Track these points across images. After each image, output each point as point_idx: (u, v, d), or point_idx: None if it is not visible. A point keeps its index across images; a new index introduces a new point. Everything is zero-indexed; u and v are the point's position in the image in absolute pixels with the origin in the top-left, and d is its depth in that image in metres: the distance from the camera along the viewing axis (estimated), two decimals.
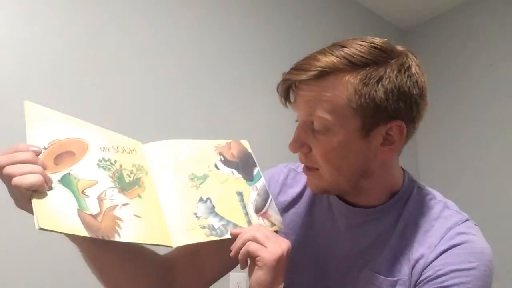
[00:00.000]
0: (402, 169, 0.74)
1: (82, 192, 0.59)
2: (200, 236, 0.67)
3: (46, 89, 1.26)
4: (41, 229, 0.51)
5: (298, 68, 0.63)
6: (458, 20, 2.38)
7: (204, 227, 0.68)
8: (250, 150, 0.84)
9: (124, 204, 0.63)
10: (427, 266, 0.63)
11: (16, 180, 0.52)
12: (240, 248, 0.63)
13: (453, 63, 2.38)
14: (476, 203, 2.09)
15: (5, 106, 1.16)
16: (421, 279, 0.63)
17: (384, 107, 0.60)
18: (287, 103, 0.68)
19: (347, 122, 0.61)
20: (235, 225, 0.71)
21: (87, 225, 0.56)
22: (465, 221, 0.66)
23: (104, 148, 0.66)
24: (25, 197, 0.53)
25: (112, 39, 1.42)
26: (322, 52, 0.62)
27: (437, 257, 0.62)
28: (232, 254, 0.64)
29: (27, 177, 0.52)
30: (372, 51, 0.61)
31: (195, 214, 0.70)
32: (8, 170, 0.52)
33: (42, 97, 1.23)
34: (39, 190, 0.54)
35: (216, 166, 0.78)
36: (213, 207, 0.72)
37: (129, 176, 0.67)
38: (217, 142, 0.82)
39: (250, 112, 1.79)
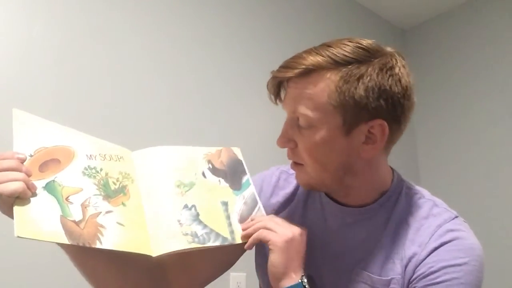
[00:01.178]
0: (392, 168, 0.75)
1: (66, 199, 0.60)
2: (182, 243, 0.68)
3: (46, 89, 1.26)
4: (19, 237, 0.52)
5: (285, 66, 0.65)
6: (458, 20, 2.37)
7: (186, 234, 0.69)
8: (241, 158, 0.85)
9: (108, 212, 0.64)
10: (419, 264, 0.64)
11: None
12: (251, 235, 0.68)
13: (453, 63, 2.37)
14: (477, 204, 2.09)
15: (5, 107, 1.20)
16: (414, 276, 0.64)
17: (364, 104, 0.61)
18: (277, 101, 0.70)
19: (328, 119, 0.63)
20: (218, 234, 0.72)
21: (68, 232, 0.57)
22: (454, 218, 0.68)
23: (90, 156, 0.68)
24: (7, 204, 0.54)
25: (113, 39, 1.43)
26: (309, 51, 0.65)
27: (428, 255, 0.64)
28: (246, 246, 0.69)
29: (9, 184, 0.53)
30: (356, 50, 0.62)
31: (179, 221, 0.71)
32: None
33: (42, 97, 1.25)
34: (21, 197, 0.55)
35: (203, 174, 0.79)
36: (198, 214, 0.73)
37: (115, 184, 0.68)
38: (207, 150, 0.83)
39: (254, 113, 1.80)
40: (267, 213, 0.82)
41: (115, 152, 0.72)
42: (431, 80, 2.46)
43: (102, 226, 0.61)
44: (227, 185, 0.80)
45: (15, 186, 0.53)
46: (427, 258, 0.64)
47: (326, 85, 0.62)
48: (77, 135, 0.69)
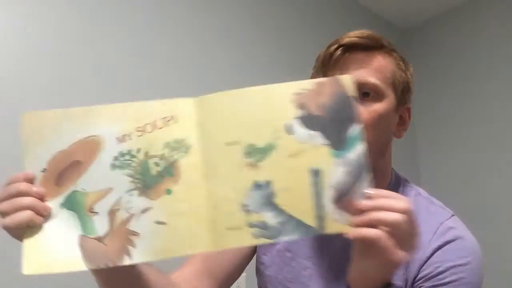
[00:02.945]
0: None
1: (90, 209, 0.49)
2: (245, 238, 0.53)
3: (46, 89, 1.20)
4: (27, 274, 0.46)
5: (359, 35, 0.66)
6: (459, 20, 2.37)
7: (253, 226, 0.53)
8: (351, 93, 0.54)
9: (144, 210, 0.50)
10: (424, 263, 0.63)
11: (5, 222, 0.47)
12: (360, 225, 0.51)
13: (453, 63, 2.36)
14: (477, 204, 2.11)
15: (5, 106, 1.12)
16: (420, 276, 0.63)
17: (408, 89, 0.70)
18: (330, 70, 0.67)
19: (389, 93, 0.66)
20: (299, 223, 0.53)
21: (88, 254, 0.48)
22: (451, 217, 0.68)
23: (122, 137, 0.51)
24: (18, 236, 0.48)
25: (112, 39, 1.36)
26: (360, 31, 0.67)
27: (433, 253, 0.63)
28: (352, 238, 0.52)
29: (15, 217, 0.47)
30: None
31: (245, 206, 0.53)
32: (0, 207, 0.48)
33: (42, 97, 1.19)
34: (31, 226, 0.47)
35: (288, 129, 0.53)
36: (272, 195, 0.53)
37: (157, 165, 0.51)
38: (300, 85, 0.54)
39: None
40: None
41: (162, 113, 0.52)
42: (431, 80, 2.43)
43: (134, 233, 0.50)
44: (325, 142, 0.54)
45: (20, 217, 0.47)
46: (432, 258, 0.62)
47: (390, 63, 0.67)
48: (101, 113, 0.51)
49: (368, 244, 0.50)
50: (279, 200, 0.53)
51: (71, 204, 0.49)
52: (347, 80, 0.53)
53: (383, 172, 0.71)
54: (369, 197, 0.52)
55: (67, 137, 0.51)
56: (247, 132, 0.53)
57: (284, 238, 0.53)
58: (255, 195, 0.53)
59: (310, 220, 0.53)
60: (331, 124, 0.53)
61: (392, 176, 0.73)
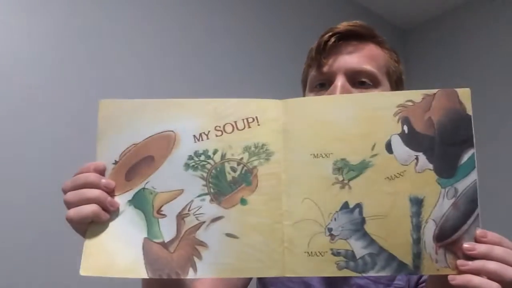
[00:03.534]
0: None
1: (158, 211, 0.45)
2: (326, 268, 0.45)
3: (45, 89, 1.21)
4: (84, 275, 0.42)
5: (352, 24, 0.66)
6: (458, 20, 2.36)
7: (337, 254, 0.45)
8: (469, 111, 0.46)
9: (215, 220, 0.45)
10: None
11: (69, 213, 0.43)
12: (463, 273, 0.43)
13: (453, 63, 2.34)
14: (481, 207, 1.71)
15: (4, 106, 1.14)
16: (424, 278, 0.57)
17: (400, 81, 0.69)
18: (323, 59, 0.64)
19: (384, 81, 0.65)
20: (391, 257, 0.45)
21: (151, 261, 0.44)
22: None
23: (200, 135, 0.47)
24: (81, 231, 0.44)
25: (112, 39, 1.38)
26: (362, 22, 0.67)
27: None
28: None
29: (79, 210, 0.43)
30: None
31: (329, 230, 0.46)
32: (66, 198, 0.44)
33: (42, 98, 1.20)
34: (96, 222, 0.43)
35: (388, 147, 0.46)
36: (363, 221, 0.46)
37: (234, 171, 0.46)
38: (407, 97, 0.46)
39: None
40: None
41: (244, 113, 0.47)
42: (431, 80, 2.38)
43: (202, 244, 0.44)
44: (431, 166, 0.46)
45: (85, 210, 0.43)
46: None
47: (383, 53, 0.67)
48: (181, 108, 0.47)
49: None
50: (371, 228, 0.45)
51: (139, 202, 0.45)
52: (466, 95, 0.45)
53: None
54: (481, 240, 0.43)
55: (143, 130, 0.47)
56: (339, 144, 0.46)
57: (372, 273, 0.45)
58: (343, 219, 0.45)
59: (405, 256, 0.45)
60: (441, 145, 0.45)
61: None
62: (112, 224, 0.44)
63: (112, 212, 0.44)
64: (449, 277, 0.42)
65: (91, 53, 1.33)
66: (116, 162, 0.46)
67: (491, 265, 0.41)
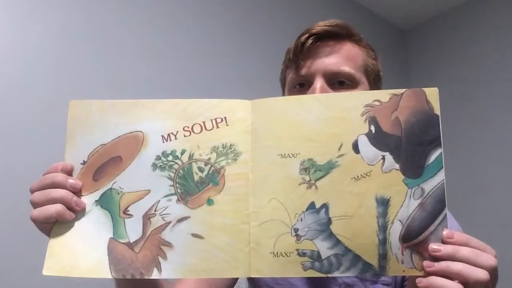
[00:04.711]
0: None
1: (125, 211, 0.45)
2: (292, 268, 0.45)
3: (46, 89, 1.21)
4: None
5: (328, 25, 0.66)
6: (458, 20, 2.37)
7: (303, 254, 0.45)
8: (437, 111, 0.46)
9: (181, 220, 0.45)
10: None
11: (33, 213, 0.43)
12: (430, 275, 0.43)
13: (453, 63, 2.35)
14: (478, 204, 2.06)
15: (4, 107, 1.14)
16: None
17: (379, 78, 0.70)
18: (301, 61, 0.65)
19: (363, 80, 0.65)
20: (357, 258, 0.45)
21: (115, 261, 0.44)
22: None
23: (168, 135, 0.47)
24: (45, 231, 0.45)
25: (112, 40, 1.38)
26: (340, 21, 0.68)
27: None
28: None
29: (44, 209, 0.43)
30: None
31: (295, 230, 0.45)
32: (32, 198, 0.44)
33: (41, 98, 1.20)
34: (61, 221, 0.44)
35: (355, 147, 0.46)
36: (329, 221, 0.46)
37: (201, 171, 0.46)
38: (374, 97, 0.46)
39: None
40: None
41: (212, 113, 0.47)
42: (430, 80, 2.41)
43: (167, 244, 0.45)
44: (397, 166, 0.45)
45: (49, 210, 0.43)
46: None
47: (361, 51, 0.67)
48: (152, 108, 0.48)
49: None
50: (337, 229, 0.45)
51: (106, 202, 0.46)
52: (434, 95, 0.45)
53: None
54: (447, 241, 0.43)
55: (111, 130, 0.48)
56: (306, 145, 0.46)
57: (337, 274, 0.45)
58: (309, 219, 0.45)
59: (370, 257, 0.45)
60: (407, 145, 0.45)
61: None
62: (77, 224, 0.44)
63: (78, 212, 0.45)
64: (417, 280, 0.42)
65: (91, 53, 1.33)
66: (84, 163, 0.47)
67: (456, 266, 0.41)
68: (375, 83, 0.69)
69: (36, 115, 1.19)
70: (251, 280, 0.72)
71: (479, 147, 2.16)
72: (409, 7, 2.38)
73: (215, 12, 1.70)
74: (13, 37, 1.20)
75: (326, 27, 0.65)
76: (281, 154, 0.46)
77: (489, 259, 0.41)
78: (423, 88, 0.46)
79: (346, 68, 0.63)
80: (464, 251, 0.41)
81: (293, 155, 0.46)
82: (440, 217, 0.44)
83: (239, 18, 1.77)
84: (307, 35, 0.65)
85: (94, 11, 1.37)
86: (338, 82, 0.63)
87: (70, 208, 0.44)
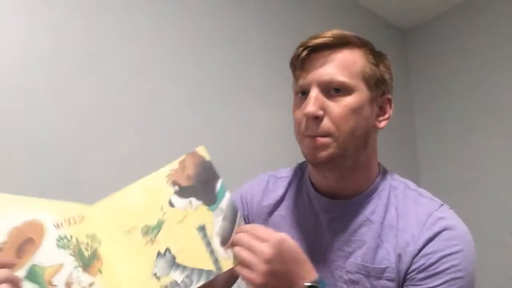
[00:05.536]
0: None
1: (49, 282, 0.56)
2: None
3: (45, 90, 1.25)
4: None
5: (322, 36, 0.69)
6: (458, 20, 2.35)
7: (166, 287, 0.66)
8: (208, 158, 0.71)
9: (91, 284, 0.61)
10: (416, 255, 0.66)
11: None
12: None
13: (453, 63, 2.35)
14: (478, 204, 2.14)
15: (4, 107, 1.17)
16: (412, 268, 0.66)
17: (383, 80, 0.73)
18: (299, 73, 0.72)
19: (360, 87, 0.69)
20: (201, 271, 0.67)
21: None
22: (440, 207, 0.70)
23: (57, 224, 0.61)
24: None
25: (110, 41, 1.41)
26: (336, 29, 0.71)
27: (425, 245, 0.66)
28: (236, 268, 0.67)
29: None
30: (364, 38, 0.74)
31: (155, 275, 0.66)
32: None
33: (42, 98, 1.24)
34: None
35: (170, 204, 0.69)
36: (174, 258, 0.67)
37: (87, 250, 0.63)
38: (169, 168, 0.70)
39: (247, 116, 1.77)
40: (261, 216, 0.78)
41: (75, 212, 0.64)
42: (431, 80, 2.44)
43: None
44: (200, 202, 0.70)
45: None
46: (424, 249, 0.66)
47: (359, 58, 0.70)
48: (36, 203, 0.61)
49: None
50: (180, 259, 0.67)
51: (33, 276, 0.55)
52: (202, 150, 0.71)
53: (367, 165, 0.74)
54: (237, 233, 0.67)
55: (16, 217, 0.58)
56: (139, 217, 0.67)
57: (195, 286, 0.67)
58: (160, 263, 0.66)
59: (209, 266, 0.67)
60: (200, 187, 0.70)
61: (379, 170, 0.77)
62: None
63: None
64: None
65: (90, 54, 1.35)
66: (5, 242, 0.55)
67: (237, 249, 0.64)
68: (376, 87, 0.71)
69: (35, 115, 1.21)
70: None
71: (479, 147, 2.19)
72: (409, 7, 2.37)
73: (215, 12, 1.71)
74: (13, 37, 1.20)
75: (319, 39, 0.69)
76: (127, 231, 0.67)
77: (262, 246, 0.62)
78: (195, 149, 0.71)
79: (340, 77, 0.67)
80: (243, 238, 0.65)
81: (133, 228, 0.67)
82: (238, 220, 0.70)
83: (239, 18, 1.79)
84: (302, 48, 0.70)
85: (94, 11, 1.38)
86: (334, 89, 0.68)
87: (16, 285, 0.51)
